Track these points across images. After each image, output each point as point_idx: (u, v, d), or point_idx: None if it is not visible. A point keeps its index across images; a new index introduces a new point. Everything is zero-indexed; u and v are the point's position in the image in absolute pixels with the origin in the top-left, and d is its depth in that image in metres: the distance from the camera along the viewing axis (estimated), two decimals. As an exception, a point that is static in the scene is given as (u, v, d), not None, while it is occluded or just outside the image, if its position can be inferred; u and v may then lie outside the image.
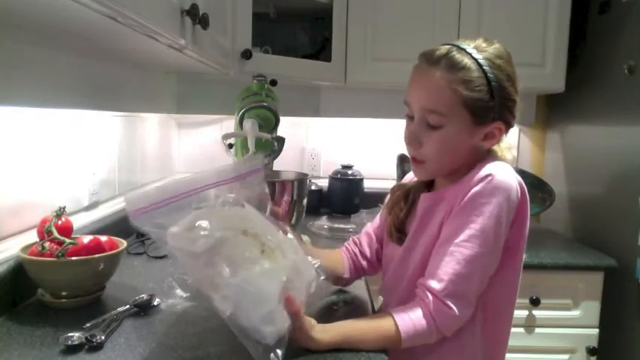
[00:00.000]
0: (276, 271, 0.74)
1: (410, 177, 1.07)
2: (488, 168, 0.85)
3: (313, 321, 0.79)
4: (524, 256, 0.92)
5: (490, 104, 0.86)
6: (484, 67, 0.84)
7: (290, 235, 0.82)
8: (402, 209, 1.01)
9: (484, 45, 0.88)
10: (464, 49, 0.86)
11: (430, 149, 0.89)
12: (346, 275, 1.07)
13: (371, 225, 1.13)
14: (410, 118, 0.92)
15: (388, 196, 1.07)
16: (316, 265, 0.81)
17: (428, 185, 1.00)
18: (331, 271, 1.04)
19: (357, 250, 1.11)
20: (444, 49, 0.87)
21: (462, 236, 0.83)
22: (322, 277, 0.81)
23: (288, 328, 0.72)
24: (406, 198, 1.01)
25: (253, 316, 0.69)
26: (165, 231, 0.72)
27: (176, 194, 0.76)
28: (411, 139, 0.91)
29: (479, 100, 0.85)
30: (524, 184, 0.88)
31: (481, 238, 0.82)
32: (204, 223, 0.73)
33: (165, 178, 1.97)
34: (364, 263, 1.10)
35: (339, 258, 1.09)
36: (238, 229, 0.75)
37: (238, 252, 0.73)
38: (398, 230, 1.00)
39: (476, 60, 0.85)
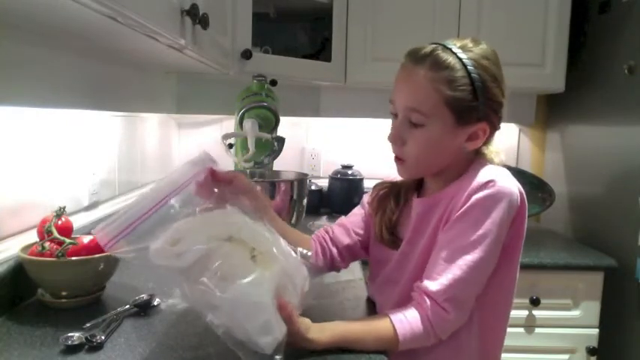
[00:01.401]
0: (267, 279, 0.71)
1: (393, 175, 1.02)
2: (488, 173, 0.84)
3: (308, 322, 0.78)
4: (520, 258, 0.91)
5: (473, 104, 0.85)
6: (468, 67, 0.84)
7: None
8: (393, 211, 0.99)
9: (471, 45, 0.87)
10: (449, 49, 0.86)
11: (412, 148, 0.89)
12: (313, 259, 0.98)
13: (346, 218, 1.08)
14: (394, 115, 0.91)
15: (371, 194, 1.04)
16: (304, 252, 0.78)
17: (417, 185, 0.99)
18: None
19: (326, 237, 1.06)
20: (429, 47, 0.87)
21: (464, 242, 0.82)
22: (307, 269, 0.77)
23: (285, 333, 0.71)
24: (396, 198, 0.99)
25: (249, 328, 0.68)
26: (147, 251, 0.70)
27: (143, 213, 0.75)
28: (395, 136, 0.90)
29: (462, 99, 0.84)
30: (523, 190, 0.87)
31: (483, 245, 0.82)
32: (188, 237, 0.71)
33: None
34: (334, 250, 1.04)
35: (305, 238, 1.04)
36: (223, 237, 0.73)
37: (226, 264, 0.70)
38: (390, 233, 0.98)
39: (460, 59, 0.84)
